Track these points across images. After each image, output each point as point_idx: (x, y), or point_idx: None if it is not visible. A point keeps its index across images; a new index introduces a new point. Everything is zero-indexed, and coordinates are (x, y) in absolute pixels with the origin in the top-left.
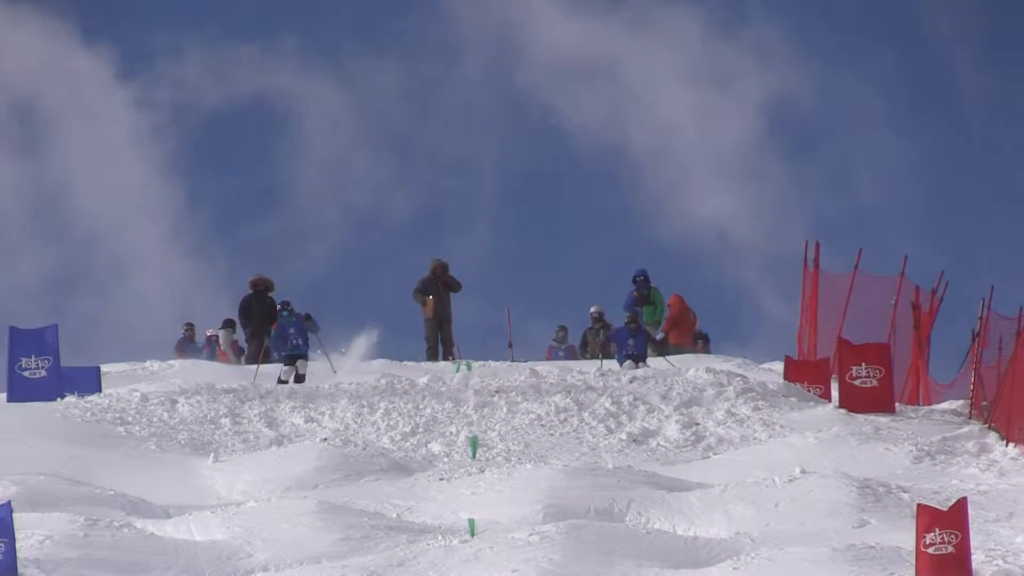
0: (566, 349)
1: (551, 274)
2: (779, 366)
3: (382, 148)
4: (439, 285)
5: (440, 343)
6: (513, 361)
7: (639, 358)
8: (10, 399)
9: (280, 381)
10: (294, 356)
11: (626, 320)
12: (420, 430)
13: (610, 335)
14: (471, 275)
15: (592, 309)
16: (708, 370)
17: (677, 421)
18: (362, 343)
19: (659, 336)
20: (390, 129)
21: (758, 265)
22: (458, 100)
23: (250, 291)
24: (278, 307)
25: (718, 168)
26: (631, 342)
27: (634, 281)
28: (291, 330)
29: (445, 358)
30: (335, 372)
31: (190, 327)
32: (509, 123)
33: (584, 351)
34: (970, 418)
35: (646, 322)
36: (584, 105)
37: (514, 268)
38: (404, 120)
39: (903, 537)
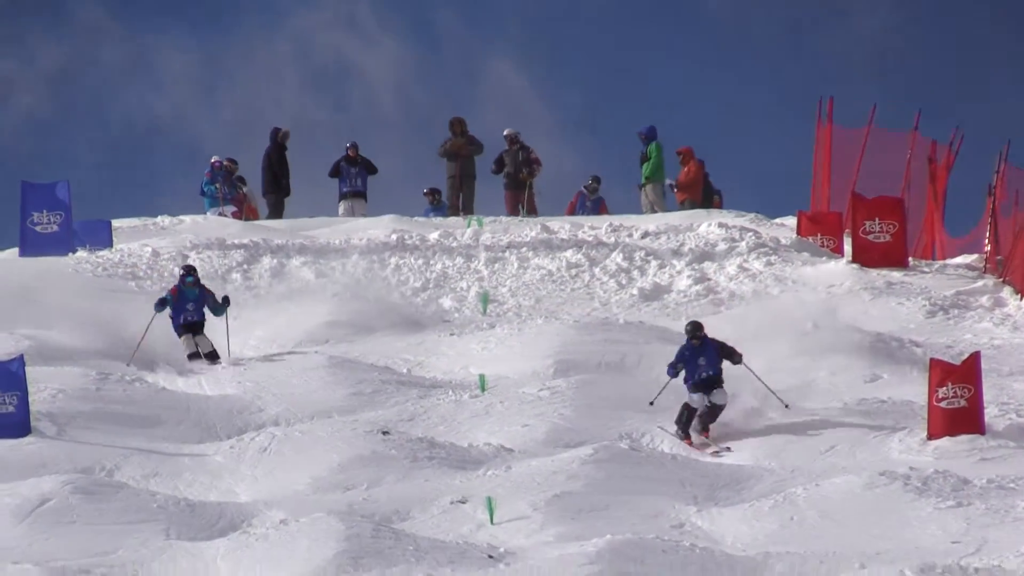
0: (594, 201)
1: None
2: (792, 221)
3: None
4: (460, 143)
5: (460, 200)
6: (525, 216)
7: (714, 381)
8: (22, 253)
9: (190, 355)
10: (192, 325)
11: (687, 335)
12: (431, 285)
13: (676, 359)
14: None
15: (506, 132)
16: (720, 225)
17: (689, 276)
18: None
19: (669, 183)
20: None
21: None
22: None
23: (270, 143)
24: (181, 272)
25: None
26: (702, 361)
27: (639, 136)
28: (189, 305)
29: (465, 214)
30: (222, 357)
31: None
32: None
33: (500, 170)
34: (984, 272)
35: (646, 177)
36: None
37: None
38: None
39: (915, 391)
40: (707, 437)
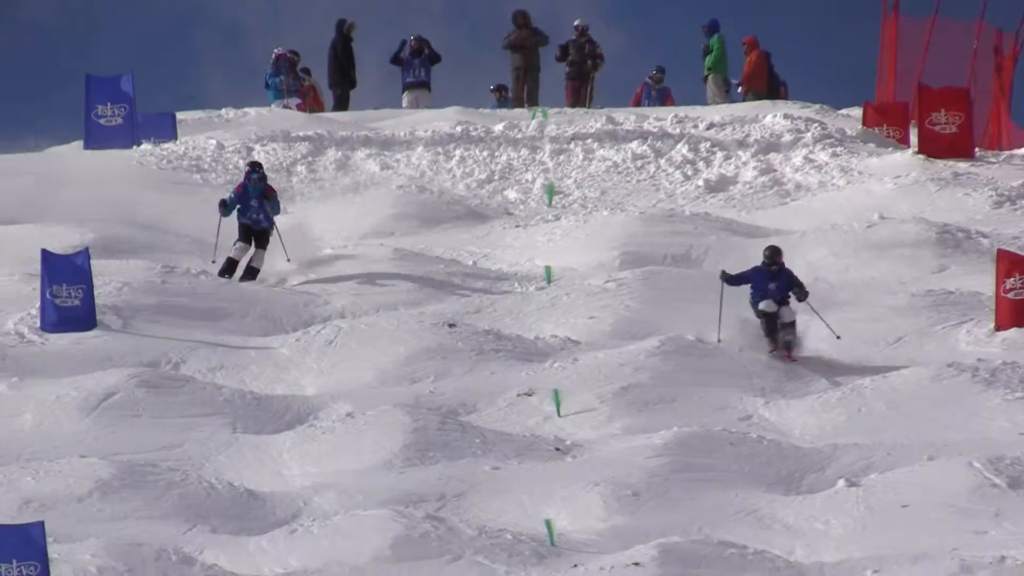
0: (660, 90)
1: None
2: (857, 112)
3: None
4: (524, 35)
5: (525, 92)
6: (590, 108)
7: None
8: (87, 146)
9: (228, 262)
10: (252, 232)
11: (765, 259)
12: (496, 177)
13: (742, 275)
14: None
15: (576, 22)
16: (786, 116)
17: (755, 168)
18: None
19: (734, 82)
20: None
21: None
22: None
23: (336, 34)
24: (247, 168)
25: None
26: (772, 286)
27: (702, 30)
28: (253, 201)
29: (530, 106)
30: (288, 260)
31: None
32: None
33: (564, 58)
34: None
35: (708, 68)
36: None
37: None
38: None
39: (982, 282)
40: (773, 348)
